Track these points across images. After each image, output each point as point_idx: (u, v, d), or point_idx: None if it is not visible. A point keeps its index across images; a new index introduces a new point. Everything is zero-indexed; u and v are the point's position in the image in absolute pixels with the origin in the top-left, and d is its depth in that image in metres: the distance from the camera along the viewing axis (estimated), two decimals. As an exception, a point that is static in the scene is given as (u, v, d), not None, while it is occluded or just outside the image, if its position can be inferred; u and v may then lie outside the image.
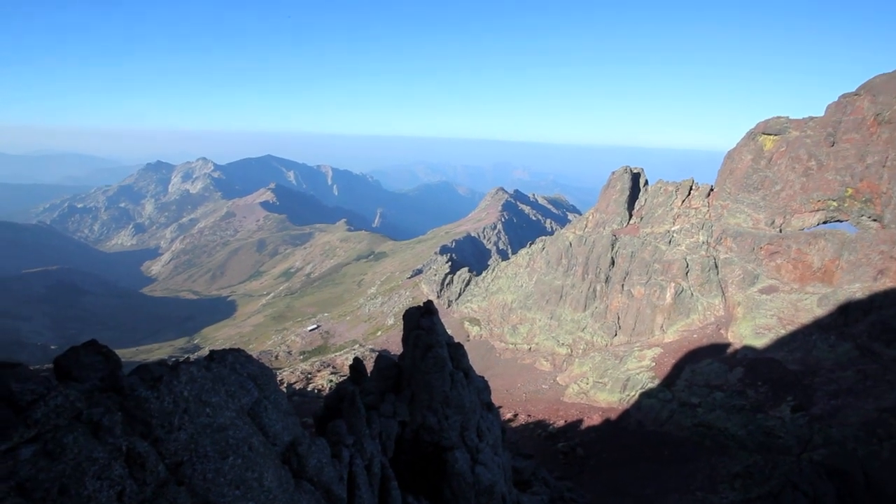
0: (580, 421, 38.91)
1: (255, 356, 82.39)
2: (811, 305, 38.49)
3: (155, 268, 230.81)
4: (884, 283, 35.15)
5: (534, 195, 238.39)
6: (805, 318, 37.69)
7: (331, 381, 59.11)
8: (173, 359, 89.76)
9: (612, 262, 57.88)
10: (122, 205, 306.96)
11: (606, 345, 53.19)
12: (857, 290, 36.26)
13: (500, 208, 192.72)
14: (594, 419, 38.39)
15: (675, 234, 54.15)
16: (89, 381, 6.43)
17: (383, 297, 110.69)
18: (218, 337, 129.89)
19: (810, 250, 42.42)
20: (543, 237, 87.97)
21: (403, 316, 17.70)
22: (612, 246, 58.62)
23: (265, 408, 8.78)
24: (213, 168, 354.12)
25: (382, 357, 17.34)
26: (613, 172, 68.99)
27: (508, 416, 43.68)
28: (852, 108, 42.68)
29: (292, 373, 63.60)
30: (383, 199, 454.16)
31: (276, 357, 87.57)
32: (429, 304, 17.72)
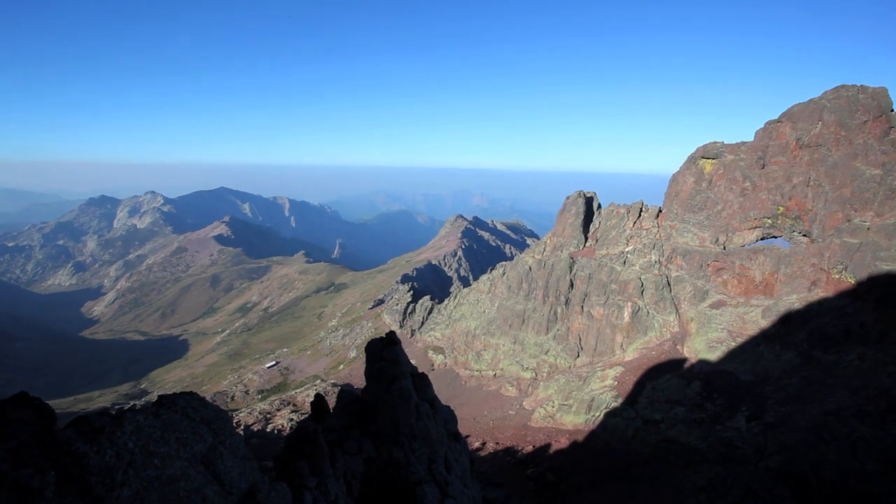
0: (548, 445, 38.79)
1: (209, 398, 78.34)
2: (756, 317, 40.64)
3: (97, 308, 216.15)
4: (817, 294, 37.70)
5: (493, 221, 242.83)
6: (752, 329, 39.70)
7: (291, 420, 56.51)
8: (117, 406, 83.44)
9: (571, 285, 59.26)
10: (61, 242, 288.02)
11: (570, 366, 53.83)
12: (795, 300, 38.68)
13: (459, 235, 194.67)
14: (562, 442, 38.39)
15: (629, 255, 56.28)
16: (17, 439, 5.84)
17: (345, 330, 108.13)
18: (168, 380, 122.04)
19: (752, 265, 45.09)
20: (504, 262, 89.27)
21: (366, 348, 17.33)
22: (571, 268, 60.15)
23: (220, 454, 8.25)
24: (162, 202, 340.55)
25: (345, 392, 16.80)
26: (568, 197, 71.48)
27: (476, 444, 43.00)
28: (777, 134, 46.50)
29: (250, 414, 60.39)
30: (342, 230, 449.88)
31: (233, 398, 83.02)
32: (391, 334, 17.45)
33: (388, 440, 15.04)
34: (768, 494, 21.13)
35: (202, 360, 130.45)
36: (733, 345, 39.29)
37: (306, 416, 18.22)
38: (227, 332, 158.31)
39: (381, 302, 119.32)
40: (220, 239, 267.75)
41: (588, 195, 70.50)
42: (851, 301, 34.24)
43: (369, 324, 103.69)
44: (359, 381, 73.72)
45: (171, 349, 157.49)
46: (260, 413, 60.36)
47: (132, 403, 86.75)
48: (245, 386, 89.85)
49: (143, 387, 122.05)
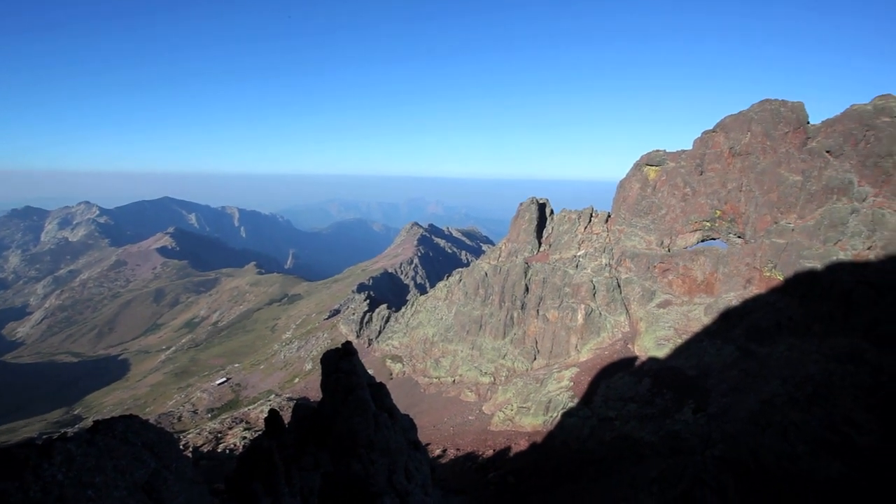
0: (508, 448, 39.18)
1: (153, 420, 73.63)
2: (699, 315, 43.01)
3: (22, 329, 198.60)
4: (751, 291, 40.43)
5: (448, 228, 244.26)
6: (695, 326, 41.97)
7: (244, 438, 54.11)
8: (45, 436, 76.88)
9: (527, 289, 60.45)
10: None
11: (527, 370, 54.75)
12: (733, 298, 41.29)
13: (415, 243, 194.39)
14: (522, 445, 38.88)
15: (581, 259, 58.14)
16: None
17: (300, 342, 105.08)
18: (106, 403, 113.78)
19: (694, 266, 47.74)
20: (460, 269, 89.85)
21: (321, 360, 16.90)
22: (526, 273, 61.38)
23: (164, 480, 7.75)
24: (98, 212, 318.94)
25: (300, 406, 16.28)
26: (521, 203, 73.04)
27: (437, 452, 42.80)
28: (712, 143, 49.68)
29: (199, 434, 57.30)
30: (296, 240, 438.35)
31: (180, 418, 78.49)
32: (347, 345, 17.12)
33: (346, 453, 14.68)
34: (714, 482, 22.28)
35: (145, 381, 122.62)
36: (679, 342, 41.34)
37: (260, 433, 17.52)
38: (173, 349, 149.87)
39: (337, 312, 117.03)
40: (164, 251, 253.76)
41: (541, 201, 72.35)
42: (781, 297, 36.93)
43: (325, 335, 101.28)
44: (315, 395, 71.72)
45: (110, 370, 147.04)
46: (210, 433, 57.38)
47: (63, 431, 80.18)
48: (193, 405, 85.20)
49: (76, 413, 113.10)
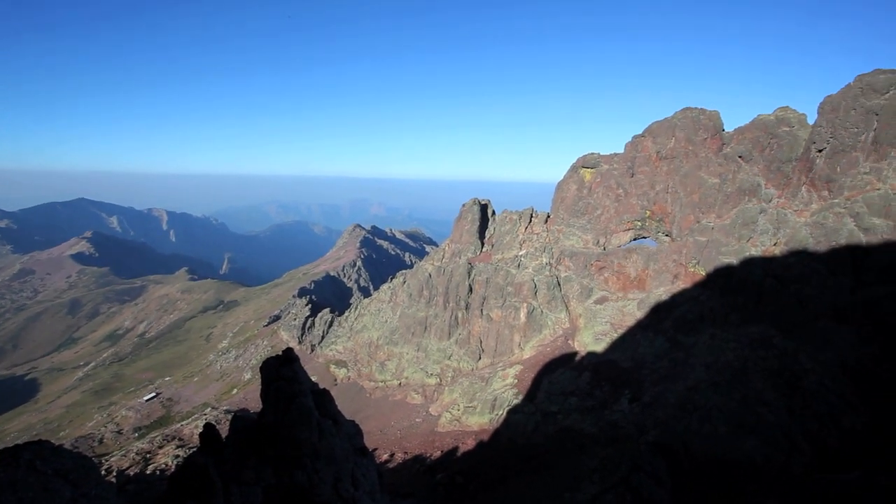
0: (456, 448, 39.45)
1: (68, 445, 67.19)
2: (633, 310, 45.56)
3: None
4: (678, 286, 43.42)
5: (391, 230, 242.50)
6: (630, 321, 44.41)
7: (177, 457, 50.69)
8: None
9: (470, 290, 61.25)
10: None
11: (472, 369, 55.46)
12: (662, 292, 44.12)
13: (358, 245, 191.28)
14: (469, 444, 39.29)
15: (522, 258, 59.75)
16: None
17: (237, 350, 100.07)
18: (10, 430, 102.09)
19: (627, 263, 50.50)
20: (404, 271, 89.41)
21: (261, 368, 16.18)
22: (469, 274, 62.17)
23: (82, 509, 7.03)
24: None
25: (239, 418, 15.47)
26: (464, 205, 73.91)
27: (384, 457, 42.30)
28: (641, 147, 52.85)
29: (125, 456, 52.99)
30: (231, 243, 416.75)
31: (101, 440, 72.08)
32: (288, 351, 16.50)
33: (289, 464, 14.12)
34: (649, 466, 23.67)
35: (58, 401, 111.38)
36: (615, 336, 43.56)
37: (195, 449, 16.46)
38: (93, 364, 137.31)
39: (278, 318, 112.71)
40: (79, 258, 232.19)
41: (483, 202, 73.59)
42: (704, 290, 39.94)
43: (265, 342, 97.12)
44: (255, 405, 68.52)
45: (14, 392, 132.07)
46: (137, 454, 53.18)
47: (-39, 463, 71.04)
48: (117, 425, 78.55)
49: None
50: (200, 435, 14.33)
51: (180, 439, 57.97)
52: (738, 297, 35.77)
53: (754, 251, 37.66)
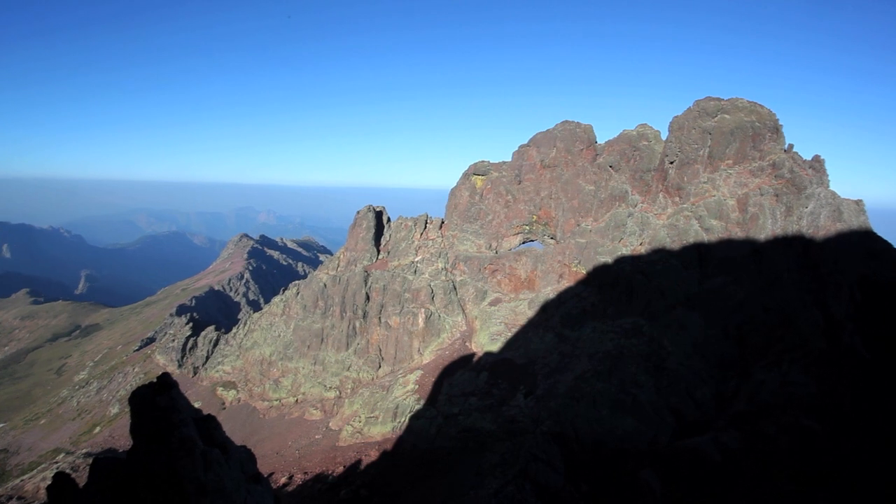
0: (359, 461, 38.26)
1: None
2: (525, 309, 48.38)
3: None
4: (564, 284, 47.16)
5: (282, 239, 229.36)
6: (522, 320, 47.08)
7: (16, 517, 42.08)
8: None
9: (368, 298, 60.18)
10: None
11: (373, 378, 54.43)
12: (550, 291, 47.54)
13: (245, 256, 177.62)
14: (372, 455, 38.35)
15: (418, 265, 60.27)
16: None
17: (100, 382, 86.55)
18: None
19: (518, 265, 53.55)
20: (297, 281, 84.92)
21: (130, 399, 14.06)
22: (366, 282, 61.07)
23: None
24: None
25: (102, 461, 13.25)
26: (358, 212, 72.53)
27: (283, 480, 39.52)
28: (527, 156, 56.63)
29: (-63, 527, 42.57)
30: (90, 259, 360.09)
31: None
32: (164, 376, 14.59)
33: (169, 505, 12.40)
34: (545, 455, 25.15)
35: None
36: (510, 335, 45.84)
37: (40, 505, 13.80)
38: None
39: (152, 340, 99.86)
40: None
41: (377, 209, 72.93)
42: (585, 287, 43.84)
43: (137, 369, 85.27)
44: (126, 443, 59.75)
45: None
46: (-43, 521, 43.06)
47: None
48: (-74, 489, 62.90)
49: None
50: (47, 489, 11.98)
51: (21, 498, 48.24)
52: (614, 291, 39.88)
53: (625, 250, 42.34)
